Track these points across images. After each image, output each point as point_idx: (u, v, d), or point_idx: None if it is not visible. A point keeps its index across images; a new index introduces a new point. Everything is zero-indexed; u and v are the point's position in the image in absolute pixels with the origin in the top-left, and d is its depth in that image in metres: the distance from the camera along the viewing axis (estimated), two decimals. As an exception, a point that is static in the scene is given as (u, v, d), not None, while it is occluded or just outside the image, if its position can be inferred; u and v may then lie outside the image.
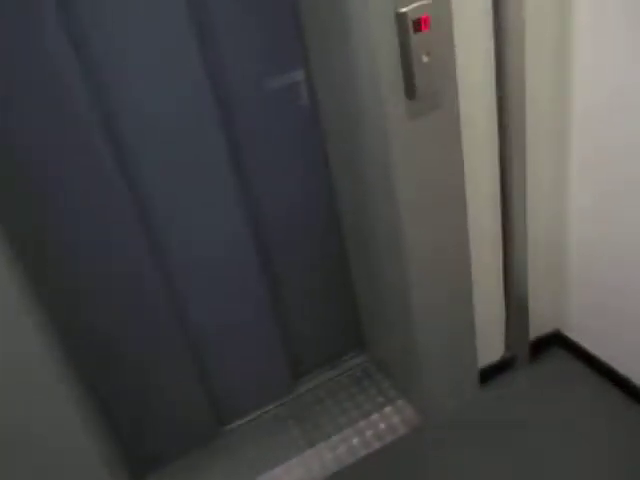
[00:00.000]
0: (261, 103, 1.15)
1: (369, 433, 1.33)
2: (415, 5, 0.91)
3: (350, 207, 1.27)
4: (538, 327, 1.40)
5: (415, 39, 0.93)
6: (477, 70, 1.04)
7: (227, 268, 1.25)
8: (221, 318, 1.29)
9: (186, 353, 1.28)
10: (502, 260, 1.27)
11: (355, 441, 1.32)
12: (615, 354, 1.30)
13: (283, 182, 1.24)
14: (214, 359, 1.33)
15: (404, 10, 0.91)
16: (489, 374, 1.39)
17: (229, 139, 1.14)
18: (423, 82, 0.96)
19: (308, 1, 1.07)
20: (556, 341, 1.43)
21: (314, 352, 1.48)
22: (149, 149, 1.08)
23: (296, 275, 1.36)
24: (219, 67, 1.10)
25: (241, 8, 1.08)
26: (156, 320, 1.20)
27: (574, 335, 1.39)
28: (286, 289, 1.36)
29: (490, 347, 1.37)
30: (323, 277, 1.39)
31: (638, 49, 0.96)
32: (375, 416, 1.37)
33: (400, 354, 1.38)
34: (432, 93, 0.98)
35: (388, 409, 1.39)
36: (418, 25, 0.92)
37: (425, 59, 0.95)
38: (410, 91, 0.97)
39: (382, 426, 1.35)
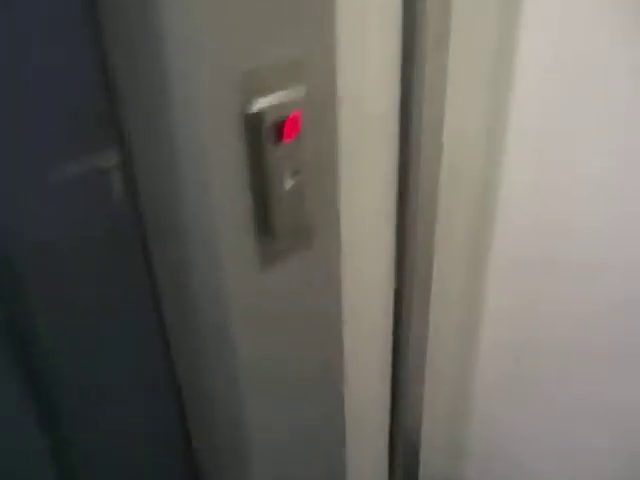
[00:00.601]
0: (49, 199, 0.72)
1: None
2: (276, 100, 0.54)
3: (184, 365, 0.88)
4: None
5: (275, 153, 0.56)
6: (371, 199, 0.70)
7: None
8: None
9: None
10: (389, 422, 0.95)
11: None
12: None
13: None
14: None
15: (257, 109, 0.54)
16: None
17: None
18: (285, 215, 0.60)
19: (122, 54, 0.66)
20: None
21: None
22: None
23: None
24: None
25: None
26: None
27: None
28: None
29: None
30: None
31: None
32: None
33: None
34: (299, 229, 0.63)
35: None
36: (280, 132, 0.55)
37: (290, 183, 0.58)
38: (264, 227, 0.60)
39: None
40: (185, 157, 0.57)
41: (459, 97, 0.70)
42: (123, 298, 0.78)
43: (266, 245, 0.62)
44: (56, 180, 0.69)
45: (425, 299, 0.88)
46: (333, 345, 0.75)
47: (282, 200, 0.59)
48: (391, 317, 0.84)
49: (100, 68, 0.65)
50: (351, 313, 0.75)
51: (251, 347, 0.66)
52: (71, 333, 0.73)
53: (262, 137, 0.55)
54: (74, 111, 0.67)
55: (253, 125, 0.54)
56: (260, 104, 0.54)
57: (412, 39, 0.66)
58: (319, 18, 0.55)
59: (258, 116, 0.54)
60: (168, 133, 0.56)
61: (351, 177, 0.68)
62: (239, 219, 0.59)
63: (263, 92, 0.54)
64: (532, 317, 0.91)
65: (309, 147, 0.58)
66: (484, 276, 0.93)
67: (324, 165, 0.61)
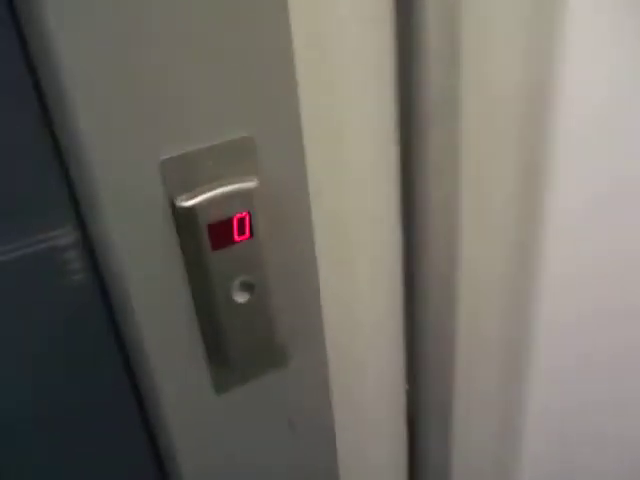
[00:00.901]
0: None
1: None
2: (216, 195, 0.42)
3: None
4: None
5: (218, 259, 0.43)
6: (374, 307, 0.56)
7: None
8: None
9: None
10: None
11: None
12: None
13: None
14: None
15: (187, 206, 0.41)
16: None
17: None
18: (239, 334, 0.47)
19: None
20: None
21: None
22: None
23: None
24: None
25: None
26: None
27: None
28: None
29: None
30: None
31: None
32: None
33: None
34: (262, 348, 0.49)
35: None
36: (223, 233, 0.43)
37: (244, 295, 0.45)
38: (213, 348, 0.47)
39: None
40: (115, 249, 0.44)
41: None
42: (92, 384, 0.65)
43: (220, 367, 0.48)
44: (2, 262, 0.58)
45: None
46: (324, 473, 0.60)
47: (234, 317, 0.45)
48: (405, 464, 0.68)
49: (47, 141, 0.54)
50: (350, 444, 0.60)
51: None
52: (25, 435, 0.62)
53: (197, 240, 0.42)
54: (21, 184, 0.56)
55: (185, 225, 0.42)
56: (191, 201, 0.41)
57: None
58: (277, 83, 0.42)
59: (189, 215, 0.41)
60: (98, 222, 0.44)
61: (340, 274, 0.54)
62: (181, 339, 0.46)
63: (195, 186, 0.41)
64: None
65: (269, 248, 0.45)
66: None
67: (296, 267, 0.48)
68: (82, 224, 0.48)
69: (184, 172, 0.41)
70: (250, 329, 0.47)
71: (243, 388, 0.50)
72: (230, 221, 0.42)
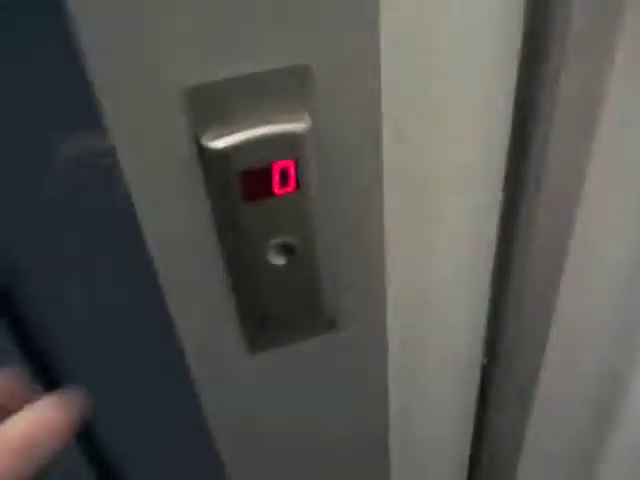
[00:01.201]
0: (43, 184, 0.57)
1: None
2: (252, 133, 0.33)
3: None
4: None
5: (252, 217, 0.35)
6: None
7: None
8: None
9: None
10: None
11: None
12: None
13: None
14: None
15: (218, 145, 0.33)
16: None
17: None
18: (276, 300, 0.40)
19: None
20: None
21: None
22: None
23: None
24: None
25: None
26: None
27: None
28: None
29: None
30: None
31: None
32: None
33: None
34: (303, 315, 0.42)
35: None
36: (260, 184, 0.34)
37: (280, 258, 0.38)
38: (248, 311, 0.41)
39: None
40: (132, 188, 0.37)
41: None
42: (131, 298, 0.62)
43: (253, 328, 0.42)
44: (50, 162, 0.54)
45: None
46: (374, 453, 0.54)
47: (268, 278, 0.38)
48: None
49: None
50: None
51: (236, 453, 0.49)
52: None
53: (227, 190, 0.34)
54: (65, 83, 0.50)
55: (213, 171, 0.34)
56: (221, 142, 0.33)
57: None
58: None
59: (218, 159, 0.33)
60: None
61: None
62: (208, 294, 0.40)
63: (228, 123, 0.33)
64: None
65: (317, 201, 0.36)
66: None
67: (354, 230, 0.39)
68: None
69: (215, 105, 0.32)
70: (288, 292, 0.40)
71: (281, 351, 0.44)
72: (270, 170, 0.34)
